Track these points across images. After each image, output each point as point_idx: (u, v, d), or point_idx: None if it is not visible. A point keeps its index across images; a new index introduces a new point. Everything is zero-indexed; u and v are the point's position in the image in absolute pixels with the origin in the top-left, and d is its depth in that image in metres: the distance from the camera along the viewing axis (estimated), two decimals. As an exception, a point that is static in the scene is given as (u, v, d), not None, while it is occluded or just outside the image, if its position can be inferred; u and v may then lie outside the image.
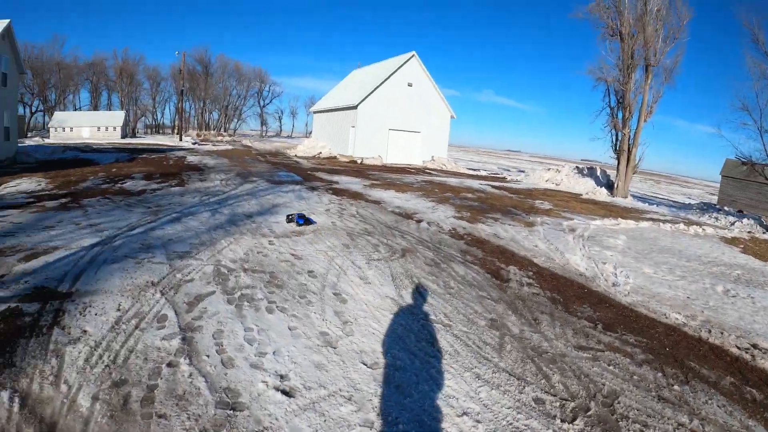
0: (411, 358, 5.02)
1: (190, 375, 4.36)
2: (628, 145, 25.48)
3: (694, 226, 16.11)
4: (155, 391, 4.07)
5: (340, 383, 4.42)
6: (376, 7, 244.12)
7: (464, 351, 5.36)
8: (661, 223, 16.24)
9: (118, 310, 5.74)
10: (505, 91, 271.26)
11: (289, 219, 11.49)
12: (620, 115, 25.63)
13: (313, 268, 7.91)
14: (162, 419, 3.72)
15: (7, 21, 25.25)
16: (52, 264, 7.41)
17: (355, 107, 38.24)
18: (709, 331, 6.68)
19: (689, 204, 28.80)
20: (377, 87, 38.39)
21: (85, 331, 5.11)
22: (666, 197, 38.55)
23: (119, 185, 16.79)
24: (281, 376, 4.45)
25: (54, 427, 3.58)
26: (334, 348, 5.12)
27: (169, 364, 4.52)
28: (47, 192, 14.92)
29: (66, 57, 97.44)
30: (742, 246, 13.74)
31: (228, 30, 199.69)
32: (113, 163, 25.43)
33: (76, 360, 4.51)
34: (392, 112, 39.32)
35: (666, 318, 7.14)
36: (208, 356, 4.72)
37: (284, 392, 4.19)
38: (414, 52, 39.74)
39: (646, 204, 24.73)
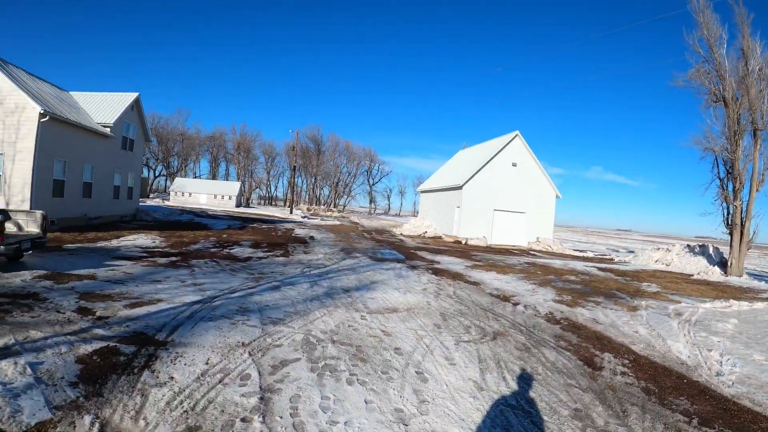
0: (483, 445, 4.86)
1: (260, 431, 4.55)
2: (741, 218, 23.87)
3: (817, 304, 14.39)
4: (225, 442, 4.29)
5: (405, 461, 4.39)
6: (480, 85, 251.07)
7: (542, 441, 5.10)
8: (778, 302, 14.64)
9: (207, 363, 6.20)
10: (614, 168, 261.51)
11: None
12: (730, 187, 24.25)
13: (400, 345, 7.99)
14: (226, 468, 3.91)
15: (136, 94, 29.56)
16: (153, 314, 8.17)
17: (460, 187, 39.05)
18: (819, 427, 5.88)
19: (813, 279, 25.54)
20: (482, 167, 39.16)
21: (172, 378, 5.58)
22: (787, 273, 34.66)
23: (227, 250, 18.08)
24: (347, 447, 4.50)
25: (127, 458, 3.90)
26: (406, 425, 5.11)
27: (243, 419, 4.78)
28: (160, 249, 16.39)
29: (189, 129, 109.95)
30: None
31: (340, 111, 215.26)
32: (225, 230, 27.42)
33: (158, 401, 4.94)
34: (497, 192, 39.67)
35: (772, 410, 6.44)
36: (281, 417, 4.92)
37: (347, 462, 4.24)
38: (518, 132, 40.33)
39: (763, 282, 22.53)
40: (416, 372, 6.82)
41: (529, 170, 40.86)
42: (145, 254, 14.89)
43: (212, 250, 17.84)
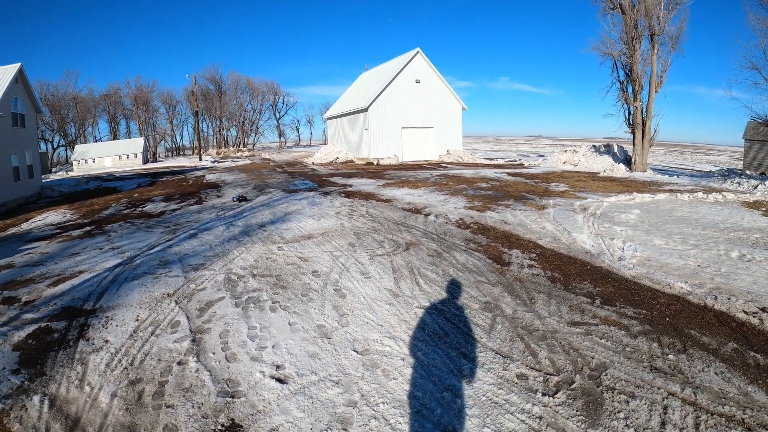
0: (399, 344, 5.42)
1: (197, 370, 4.94)
2: (642, 118, 25.20)
3: (714, 194, 15.70)
4: (165, 386, 4.66)
5: (331, 369, 4.90)
6: (380, 5, 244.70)
7: (453, 333, 5.66)
8: (678, 194, 15.83)
9: (137, 320, 6.41)
10: (521, 77, 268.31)
11: (234, 199, 17.88)
12: (630, 89, 25.36)
13: (317, 268, 8.42)
14: (170, 408, 4.30)
15: (19, 65, 26.55)
16: (77, 286, 8.16)
17: (365, 110, 38.75)
18: (716, 298, 6.47)
19: (711, 172, 27.89)
20: (385, 87, 38.82)
21: (107, 341, 5.79)
22: (689, 167, 37.49)
23: (140, 209, 17.64)
24: (277, 366, 4.97)
25: (78, 421, 4.22)
26: (329, 338, 5.61)
27: (179, 363, 5.12)
28: (72, 222, 15.81)
29: (81, 91, 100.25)
30: (763, 209, 13.12)
31: (236, 47, 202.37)
32: (135, 189, 26.43)
33: (98, 365, 5.18)
34: (403, 110, 39.68)
35: (670, 288, 6.98)
36: (213, 353, 5.30)
37: (278, 380, 4.71)
38: (418, 49, 39.99)
39: (666, 176, 24.18)
40: (334, 290, 7.29)
41: (433, 86, 40.87)
42: (58, 230, 14.32)
43: (125, 211, 17.30)
